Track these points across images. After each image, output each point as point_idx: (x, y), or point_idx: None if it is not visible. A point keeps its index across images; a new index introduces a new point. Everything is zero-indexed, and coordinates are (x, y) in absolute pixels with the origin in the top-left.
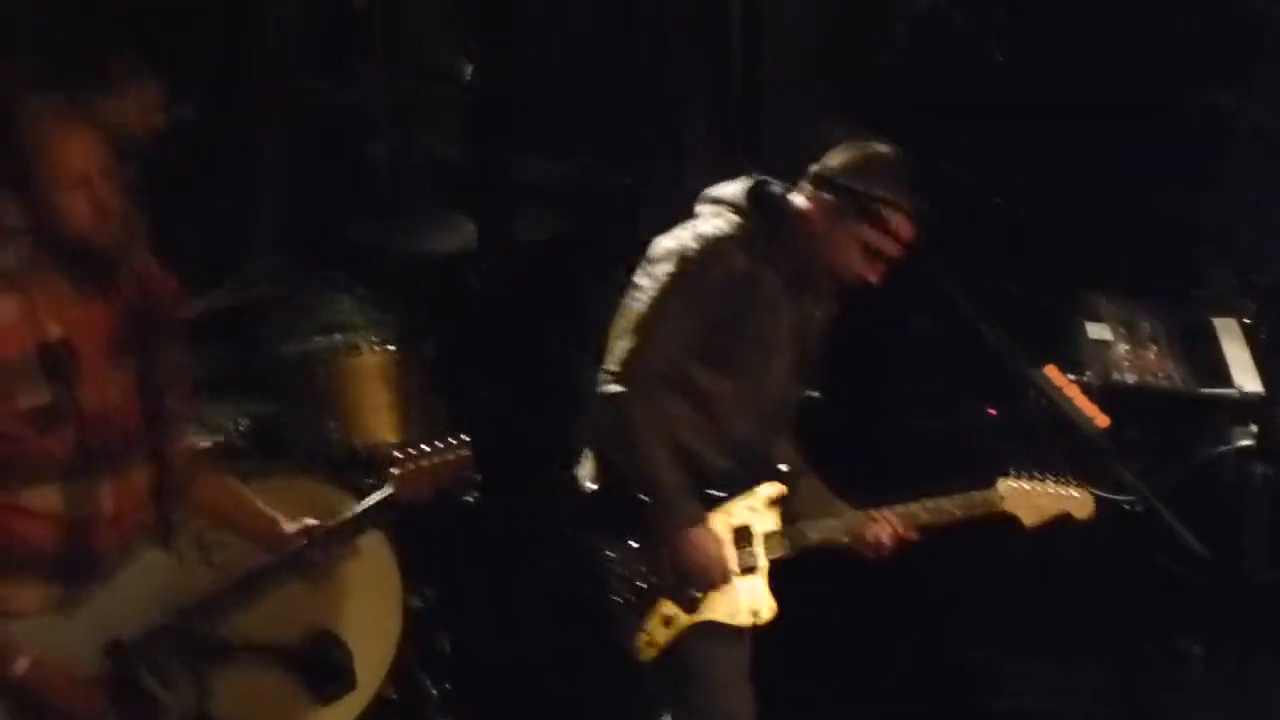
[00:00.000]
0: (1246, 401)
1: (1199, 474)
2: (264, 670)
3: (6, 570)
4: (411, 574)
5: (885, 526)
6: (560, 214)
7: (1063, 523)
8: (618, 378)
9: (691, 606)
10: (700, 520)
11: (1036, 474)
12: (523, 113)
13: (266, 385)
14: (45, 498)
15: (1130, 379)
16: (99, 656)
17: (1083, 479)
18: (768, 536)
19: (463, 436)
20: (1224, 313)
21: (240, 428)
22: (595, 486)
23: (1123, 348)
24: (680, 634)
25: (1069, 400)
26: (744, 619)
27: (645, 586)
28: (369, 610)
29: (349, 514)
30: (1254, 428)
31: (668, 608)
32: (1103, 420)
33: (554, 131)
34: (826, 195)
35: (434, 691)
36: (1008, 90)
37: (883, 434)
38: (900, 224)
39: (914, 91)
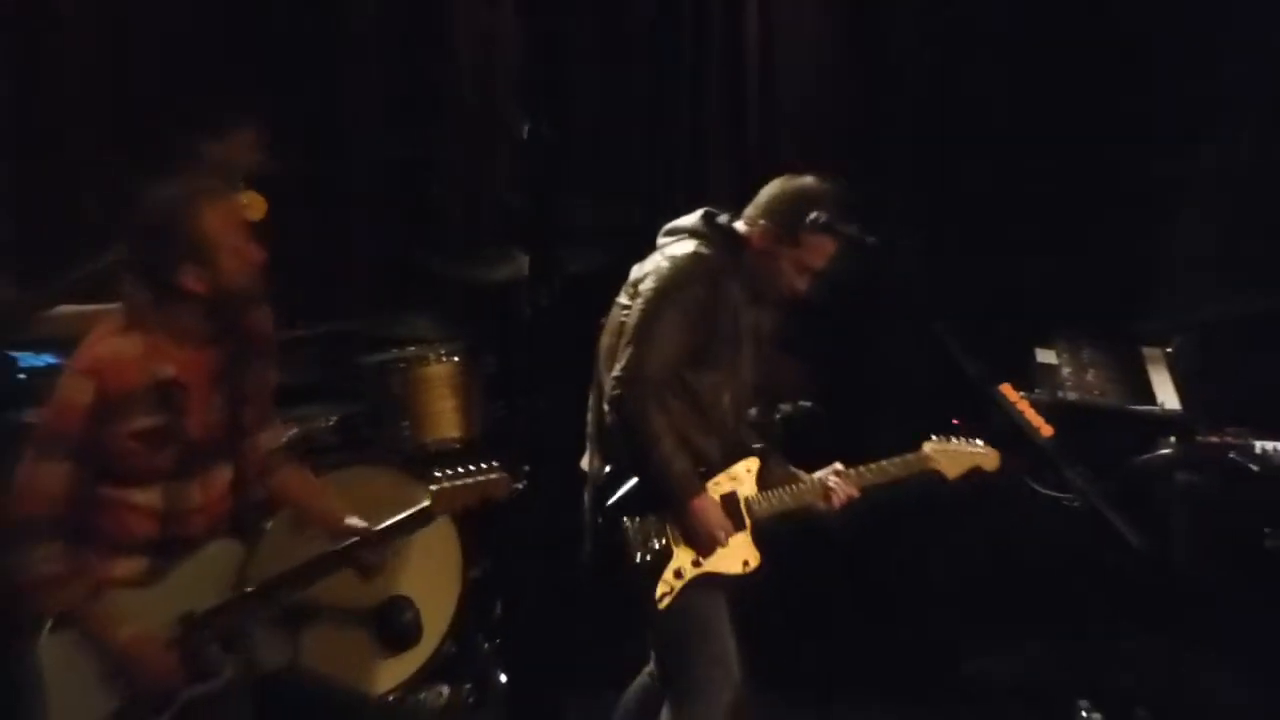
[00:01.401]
0: (1168, 417)
1: (1129, 477)
2: (346, 628)
3: (115, 550)
4: (471, 549)
5: (839, 488)
6: (601, 249)
7: (977, 474)
8: (625, 383)
9: (706, 555)
10: (703, 493)
11: (953, 437)
12: (570, 164)
13: (352, 390)
14: (148, 496)
15: (1072, 396)
16: (172, 623)
17: (994, 444)
18: (749, 501)
19: (495, 463)
20: (1151, 344)
21: (330, 424)
22: (607, 470)
23: (1066, 370)
24: (687, 584)
25: (1021, 413)
26: (738, 569)
27: (659, 547)
28: (435, 578)
29: (391, 521)
30: (1173, 439)
31: (678, 562)
32: (1048, 430)
33: (597, 180)
34: (762, 222)
35: (486, 646)
36: (980, 162)
37: (869, 441)
38: (821, 245)
39: (903, 159)
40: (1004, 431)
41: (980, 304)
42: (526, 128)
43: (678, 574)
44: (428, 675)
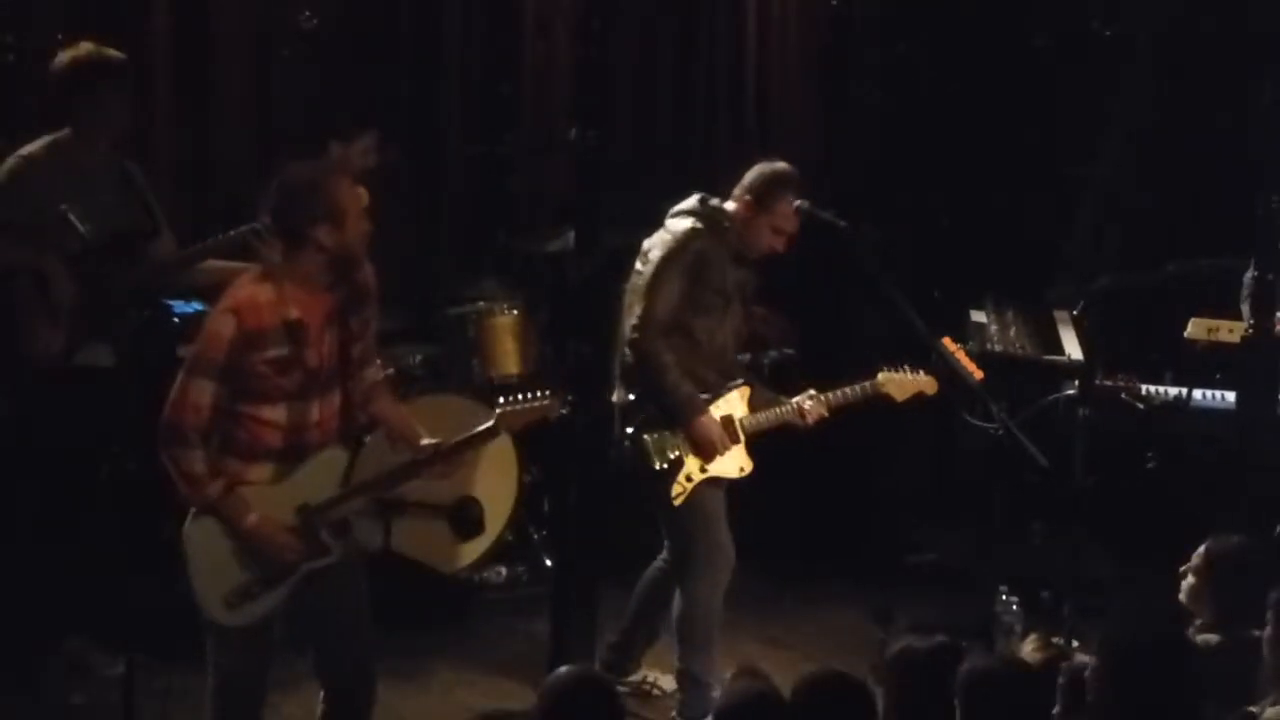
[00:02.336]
0: (1073, 365)
1: (1041, 412)
2: (427, 520)
3: (250, 457)
4: (525, 460)
5: (812, 408)
6: (633, 228)
7: (920, 398)
8: (639, 329)
9: (709, 461)
10: (705, 411)
11: (901, 368)
12: (610, 160)
13: (435, 335)
14: (276, 412)
15: (998, 348)
16: (291, 514)
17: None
18: (741, 420)
19: (547, 391)
20: (1061, 307)
21: (417, 361)
22: (630, 399)
23: (994, 328)
24: (696, 485)
25: (957, 360)
26: (735, 473)
27: (674, 457)
28: (497, 482)
29: (460, 438)
30: (1076, 382)
31: (689, 468)
32: (979, 374)
33: (629, 174)
34: (745, 197)
35: (537, 536)
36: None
37: (836, 380)
38: (788, 212)
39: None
40: (942, 373)
41: (926, 274)
42: (575, 133)
43: (689, 478)
44: (490, 559)
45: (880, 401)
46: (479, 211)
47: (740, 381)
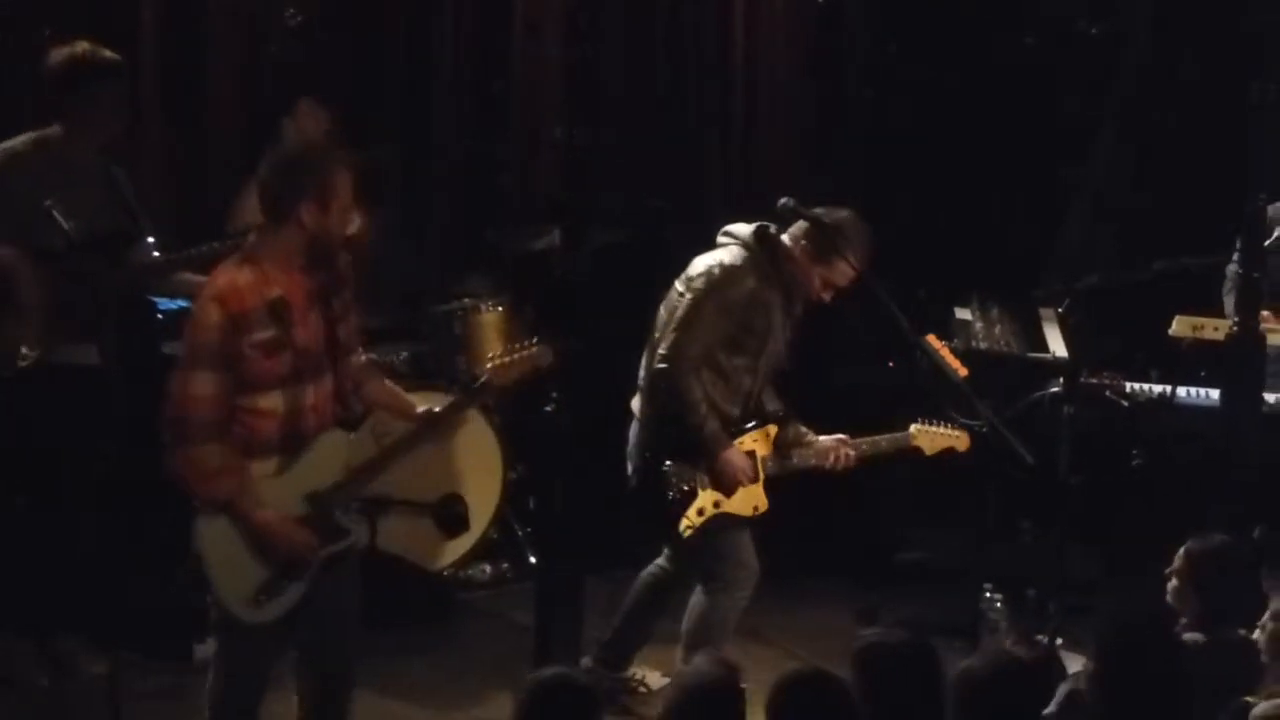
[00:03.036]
0: (1057, 363)
1: (1027, 409)
2: (412, 517)
3: (249, 452)
4: (510, 456)
5: (842, 455)
6: (617, 227)
7: (949, 453)
8: (669, 360)
9: (728, 497)
10: (731, 446)
11: (934, 421)
12: (597, 160)
13: (421, 332)
14: (271, 400)
15: (983, 346)
16: (302, 503)
17: (960, 422)
18: (764, 459)
19: (534, 339)
20: (1047, 305)
21: (403, 358)
22: (651, 417)
23: (978, 325)
24: (708, 521)
25: (942, 357)
26: (749, 511)
27: (687, 489)
28: (481, 479)
29: (454, 400)
30: (1061, 380)
31: (701, 503)
32: (963, 371)
33: (616, 173)
34: (804, 243)
35: (521, 534)
36: (918, 169)
37: (827, 381)
38: (845, 270)
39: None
40: (928, 370)
41: (912, 272)
42: (563, 132)
43: (700, 512)
44: (475, 556)
45: (909, 454)
46: (467, 209)
47: (776, 416)
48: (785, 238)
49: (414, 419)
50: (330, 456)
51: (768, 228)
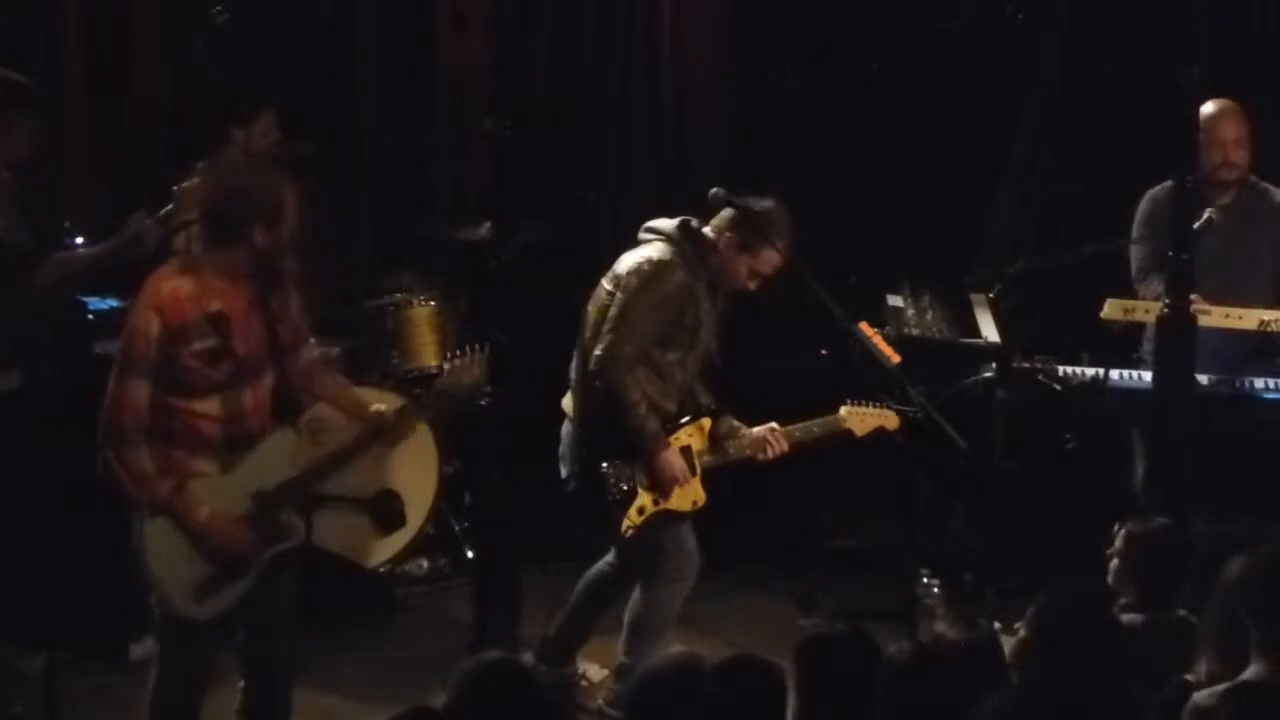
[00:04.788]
0: (990, 348)
1: (959, 395)
2: (348, 514)
3: (192, 448)
4: (445, 451)
5: (775, 443)
6: (548, 218)
7: (880, 433)
8: (604, 360)
9: (666, 497)
10: (668, 447)
11: (862, 401)
12: (528, 150)
13: (353, 327)
14: (209, 404)
15: (915, 332)
16: (247, 502)
17: (888, 404)
18: (700, 453)
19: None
20: (978, 290)
21: (335, 355)
22: (582, 418)
23: (910, 312)
24: (648, 519)
25: (875, 344)
26: (689, 507)
27: (626, 489)
28: (417, 475)
29: (405, 402)
30: (994, 365)
31: (641, 501)
32: (896, 358)
33: (547, 163)
34: (729, 234)
35: (458, 529)
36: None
37: (760, 370)
38: (772, 259)
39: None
40: (862, 357)
41: (842, 259)
42: (491, 123)
43: (640, 511)
44: (412, 552)
45: (841, 437)
46: (397, 202)
47: (708, 409)
48: (709, 230)
49: (366, 418)
50: (278, 455)
51: (690, 221)
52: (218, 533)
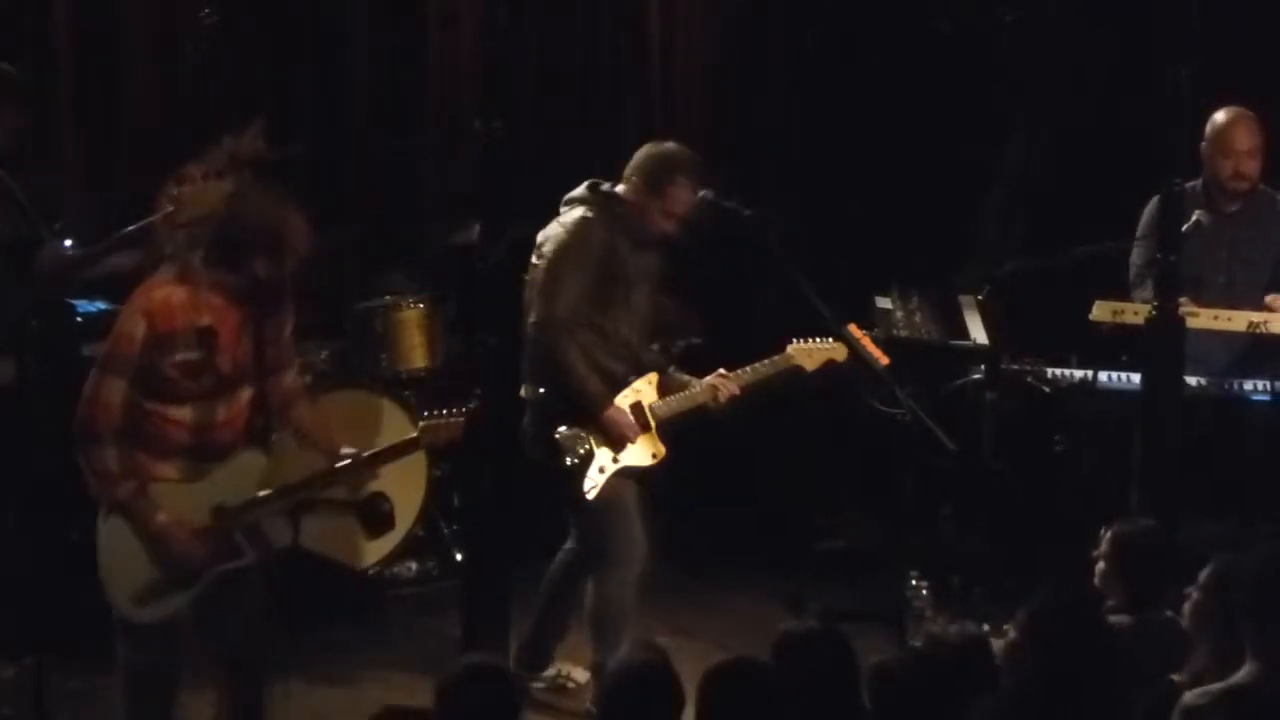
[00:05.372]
0: (979, 350)
1: (949, 397)
2: (336, 516)
3: (158, 452)
4: (434, 454)
5: (725, 389)
6: (535, 220)
7: (830, 365)
8: (538, 327)
9: (621, 452)
10: (613, 405)
11: (810, 338)
12: (519, 154)
13: (341, 329)
14: (182, 411)
15: (904, 334)
16: (206, 515)
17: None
18: (651, 406)
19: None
20: (967, 292)
21: (323, 356)
22: (539, 393)
23: (899, 313)
24: (612, 476)
25: (863, 346)
26: (649, 460)
27: (584, 451)
28: (406, 477)
29: (381, 448)
30: (983, 367)
31: (600, 460)
32: (885, 360)
33: (535, 166)
34: (634, 179)
35: (446, 531)
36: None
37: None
38: (679, 196)
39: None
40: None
41: (831, 261)
42: (481, 124)
43: (601, 470)
44: (401, 554)
45: (792, 375)
46: (386, 204)
47: (655, 364)
48: (621, 186)
49: (333, 457)
50: (245, 475)
51: (599, 182)
52: (171, 539)
